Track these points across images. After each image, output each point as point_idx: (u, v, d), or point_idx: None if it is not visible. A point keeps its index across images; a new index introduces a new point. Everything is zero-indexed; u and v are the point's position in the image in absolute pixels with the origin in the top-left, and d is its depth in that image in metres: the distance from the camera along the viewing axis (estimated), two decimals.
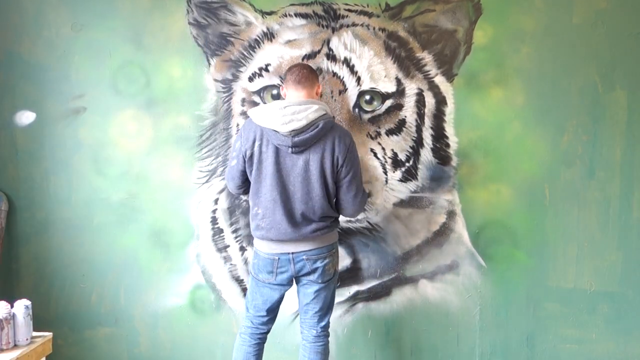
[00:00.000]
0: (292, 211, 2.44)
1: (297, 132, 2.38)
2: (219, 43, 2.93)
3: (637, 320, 2.95)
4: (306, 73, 2.49)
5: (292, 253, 2.48)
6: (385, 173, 2.93)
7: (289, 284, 2.57)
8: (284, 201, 2.43)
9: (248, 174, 2.50)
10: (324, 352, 2.62)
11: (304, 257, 2.49)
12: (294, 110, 2.38)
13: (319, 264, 2.50)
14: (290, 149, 2.40)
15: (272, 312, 2.62)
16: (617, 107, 2.87)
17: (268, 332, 2.65)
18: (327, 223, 2.52)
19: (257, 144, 2.43)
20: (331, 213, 2.52)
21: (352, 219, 2.89)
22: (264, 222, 2.47)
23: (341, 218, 2.74)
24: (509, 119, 2.90)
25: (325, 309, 2.60)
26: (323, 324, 2.61)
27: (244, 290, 3.04)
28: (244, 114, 2.93)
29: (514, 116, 2.89)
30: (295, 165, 2.42)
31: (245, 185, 2.57)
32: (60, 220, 3.04)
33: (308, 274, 2.52)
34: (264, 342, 2.65)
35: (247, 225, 2.97)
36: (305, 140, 2.39)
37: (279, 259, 2.49)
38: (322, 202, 2.46)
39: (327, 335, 2.64)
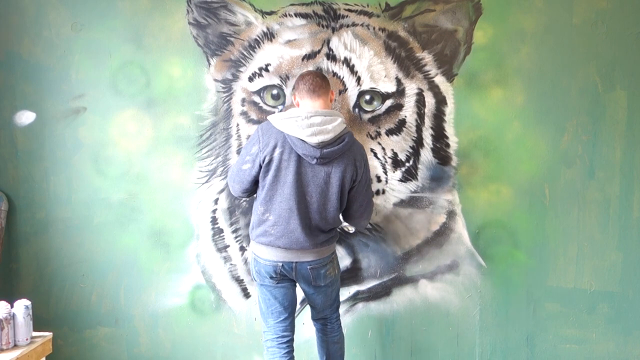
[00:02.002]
0: (307, 221, 2.44)
1: (325, 145, 2.38)
2: (219, 43, 2.93)
3: (637, 320, 2.96)
4: (319, 81, 2.47)
5: (296, 262, 2.48)
6: (385, 173, 2.93)
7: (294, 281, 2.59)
8: (300, 211, 2.42)
9: (260, 179, 2.46)
10: (340, 340, 2.72)
11: (308, 267, 2.49)
12: (320, 121, 2.37)
13: (321, 271, 2.52)
14: (315, 160, 2.39)
15: (292, 311, 2.59)
16: (617, 107, 2.87)
17: (292, 339, 2.61)
18: (332, 234, 2.56)
19: (278, 150, 2.40)
20: (338, 224, 2.56)
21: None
22: (274, 230, 2.45)
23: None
24: (509, 119, 2.90)
25: (331, 302, 2.65)
26: (335, 313, 2.69)
27: (244, 290, 3.04)
28: (244, 113, 2.93)
29: (514, 116, 2.89)
30: (316, 176, 2.42)
31: (252, 189, 2.53)
32: (60, 220, 3.04)
33: (308, 279, 2.52)
34: (293, 351, 2.60)
35: (247, 225, 2.97)
36: (333, 152, 2.39)
37: (282, 265, 2.48)
38: (335, 213, 2.48)
39: (339, 314, 2.72)
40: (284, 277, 2.51)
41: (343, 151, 2.42)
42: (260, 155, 2.41)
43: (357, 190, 2.52)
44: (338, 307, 2.72)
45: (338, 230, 2.70)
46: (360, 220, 2.64)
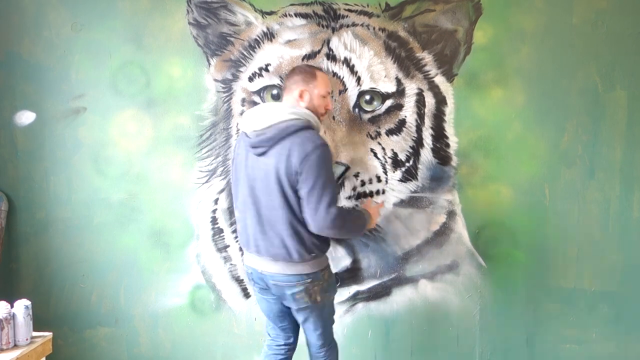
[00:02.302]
0: (259, 217, 2.31)
1: (257, 133, 2.28)
2: (219, 43, 2.93)
3: (637, 320, 2.95)
4: (292, 75, 2.40)
5: (261, 272, 2.36)
6: (385, 173, 2.93)
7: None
8: (254, 204, 2.32)
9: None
10: None
11: (271, 280, 2.33)
12: (262, 111, 2.32)
13: (286, 291, 2.32)
14: (253, 150, 2.30)
15: (280, 321, 2.50)
16: (617, 107, 2.87)
17: (287, 348, 2.52)
18: (300, 248, 2.27)
19: (237, 146, 2.45)
20: (305, 236, 2.27)
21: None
22: (239, 226, 2.45)
23: None
24: (509, 119, 2.90)
25: (311, 331, 2.45)
26: (319, 342, 2.47)
27: (244, 290, 3.04)
28: (244, 113, 2.93)
29: (514, 116, 2.89)
30: (258, 168, 2.30)
31: None
32: (60, 220, 3.04)
33: (279, 296, 2.39)
34: (290, 358, 2.54)
35: None
36: (262, 140, 2.26)
37: (252, 272, 2.43)
38: (283, 213, 2.24)
39: (327, 348, 2.49)
40: (261, 288, 2.43)
41: (275, 139, 2.23)
42: (234, 154, 2.48)
43: (302, 191, 2.22)
44: (326, 344, 2.45)
45: (324, 255, 2.40)
46: (310, 225, 2.24)
